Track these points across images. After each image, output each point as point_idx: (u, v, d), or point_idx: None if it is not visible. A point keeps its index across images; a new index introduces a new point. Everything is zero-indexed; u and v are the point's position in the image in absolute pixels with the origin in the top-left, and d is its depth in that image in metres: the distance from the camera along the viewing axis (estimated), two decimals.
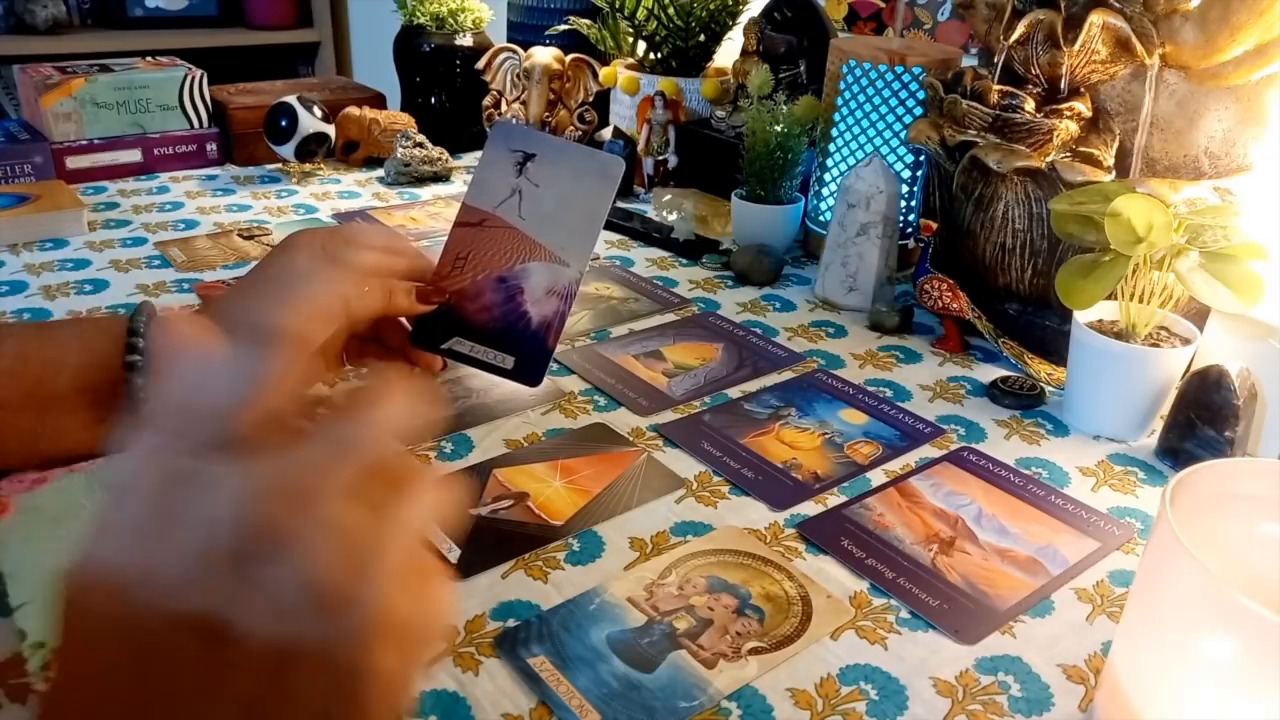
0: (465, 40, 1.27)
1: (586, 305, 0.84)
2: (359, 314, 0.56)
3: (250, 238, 0.97)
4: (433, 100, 1.29)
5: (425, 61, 1.28)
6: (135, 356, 0.53)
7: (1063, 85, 0.73)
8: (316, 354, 0.62)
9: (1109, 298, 0.63)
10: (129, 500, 0.24)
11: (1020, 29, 0.71)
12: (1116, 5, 0.68)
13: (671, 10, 1.09)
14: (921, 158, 0.91)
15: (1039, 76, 0.74)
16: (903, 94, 0.88)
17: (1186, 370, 0.64)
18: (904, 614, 0.49)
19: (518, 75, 1.20)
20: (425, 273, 0.61)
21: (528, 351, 0.60)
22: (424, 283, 0.60)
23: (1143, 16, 0.67)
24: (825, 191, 0.97)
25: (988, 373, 0.75)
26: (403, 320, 0.63)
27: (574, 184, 0.60)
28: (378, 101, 1.30)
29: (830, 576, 0.51)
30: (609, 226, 1.02)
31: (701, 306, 0.85)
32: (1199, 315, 0.66)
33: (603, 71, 1.18)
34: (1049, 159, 0.71)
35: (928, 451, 0.63)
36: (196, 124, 1.19)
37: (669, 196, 1.06)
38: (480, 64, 1.21)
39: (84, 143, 1.12)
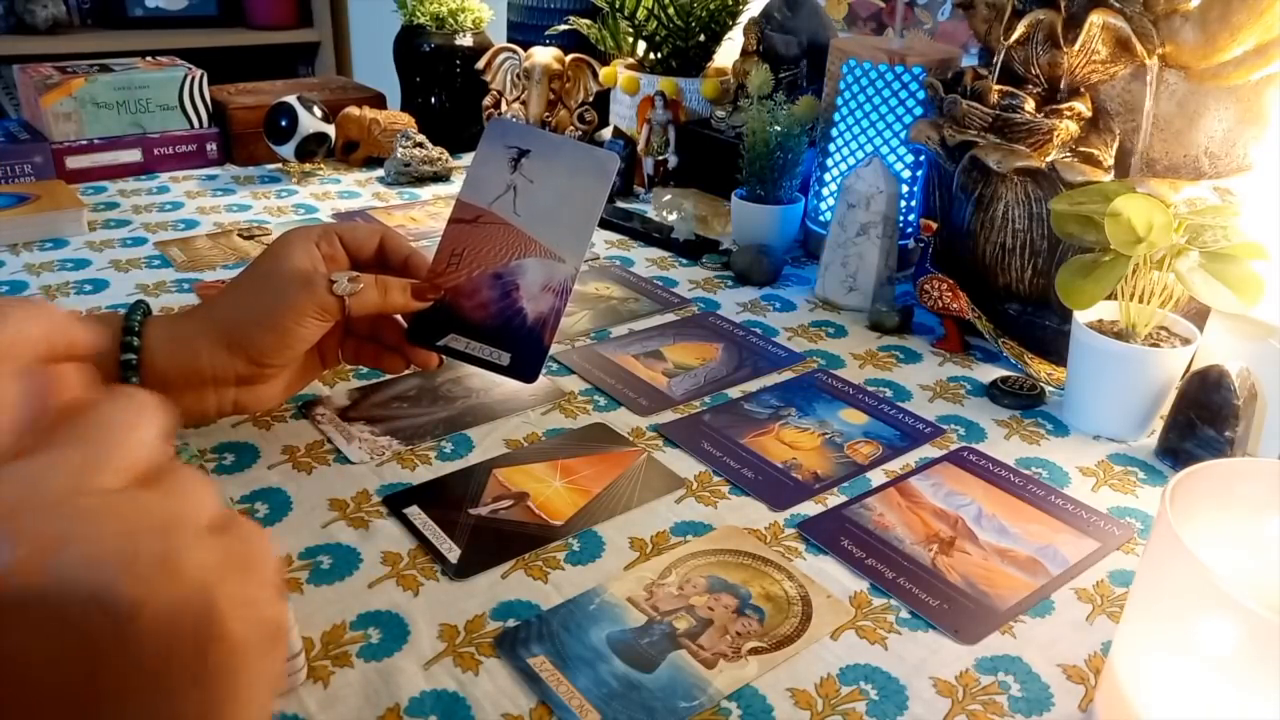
0: (465, 40, 1.27)
1: (586, 305, 0.84)
2: (355, 311, 0.56)
3: (250, 238, 0.97)
4: (433, 100, 1.29)
5: (425, 61, 1.28)
6: (130, 355, 0.53)
7: (1063, 85, 0.73)
8: (314, 353, 0.62)
9: (1109, 298, 0.63)
10: None
11: (1020, 29, 0.71)
12: (1116, 5, 0.68)
13: (671, 10, 1.09)
14: (921, 158, 0.91)
15: (1039, 76, 0.74)
16: (903, 94, 0.88)
17: (1186, 370, 0.64)
18: (904, 614, 0.49)
19: (518, 75, 1.20)
20: (420, 270, 0.61)
21: (524, 348, 0.60)
22: (419, 280, 0.60)
23: (1143, 16, 0.67)
24: (825, 191, 0.97)
25: (988, 373, 0.75)
26: (399, 318, 0.63)
27: (569, 180, 0.60)
28: (378, 101, 1.30)
29: (830, 576, 0.51)
30: (609, 226, 1.02)
31: (701, 306, 0.85)
32: (1199, 315, 0.66)
33: (603, 71, 1.18)
34: (1049, 159, 0.71)
35: (928, 451, 0.63)
36: (196, 124, 1.19)
37: (669, 196, 1.06)
38: (480, 64, 1.21)
39: (84, 143, 1.12)
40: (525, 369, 0.60)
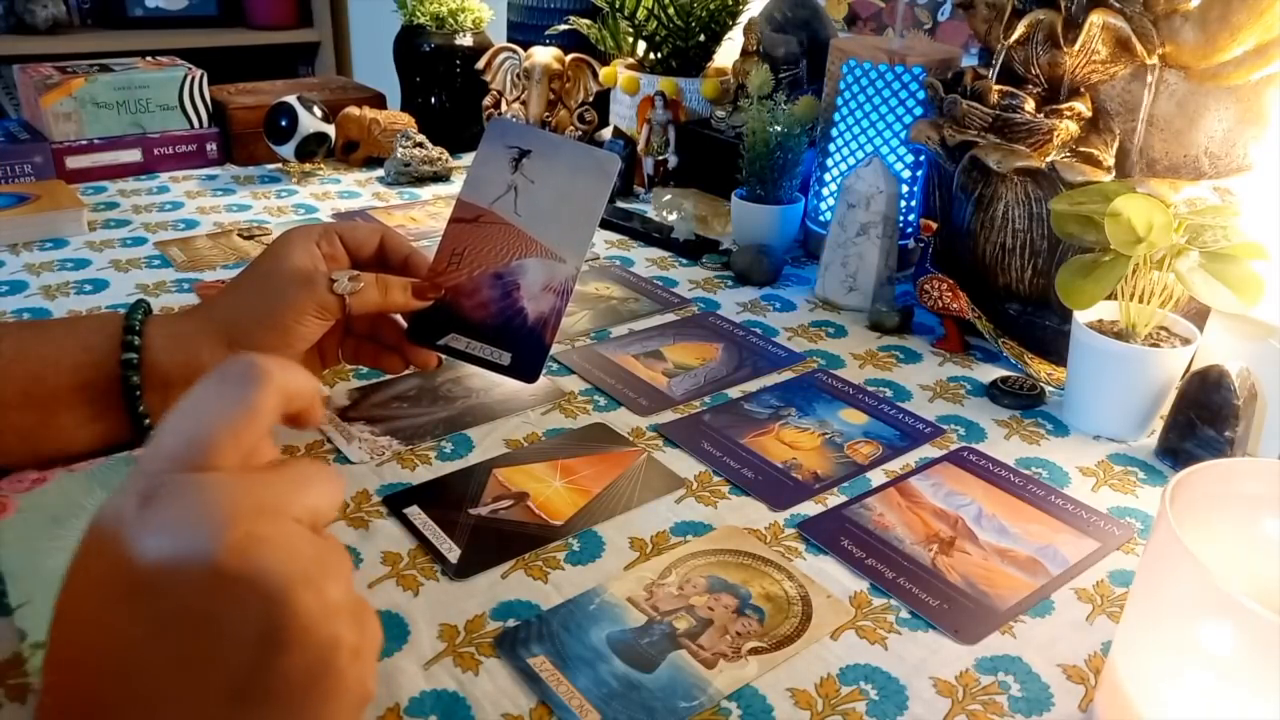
0: (465, 40, 1.27)
1: (586, 305, 0.84)
2: (355, 310, 0.56)
3: (250, 238, 0.97)
4: (433, 100, 1.29)
5: (425, 61, 1.28)
6: (132, 354, 0.53)
7: (1063, 85, 0.73)
8: (314, 352, 0.62)
9: (1109, 298, 0.63)
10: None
11: (1020, 29, 0.71)
12: (1116, 5, 0.68)
13: (671, 10, 1.09)
14: (921, 158, 0.91)
15: (1039, 76, 0.74)
16: (903, 94, 0.88)
17: (1186, 370, 0.64)
18: (904, 614, 0.49)
19: (518, 75, 1.20)
20: (420, 269, 0.61)
21: (524, 348, 0.60)
22: (420, 279, 0.60)
23: (1143, 16, 0.67)
24: (825, 191, 0.97)
25: (988, 373, 0.75)
26: (398, 318, 0.63)
27: (570, 180, 0.60)
28: (378, 101, 1.30)
29: (830, 576, 0.51)
30: (609, 226, 1.02)
31: (701, 306, 0.85)
32: (1199, 315, 0.66)
33: (603, 71, 1.18)
34: (1049, 159, 0.71)
35: (928, 451, 0.63)
36: (196, 124, 1.19)
37: (669, 196, 1.06)
38: (480, 64, 1.21)
39: (84, 143, 1.12)
40: (526, 369, 0.60)
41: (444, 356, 0.61)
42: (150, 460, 0.29)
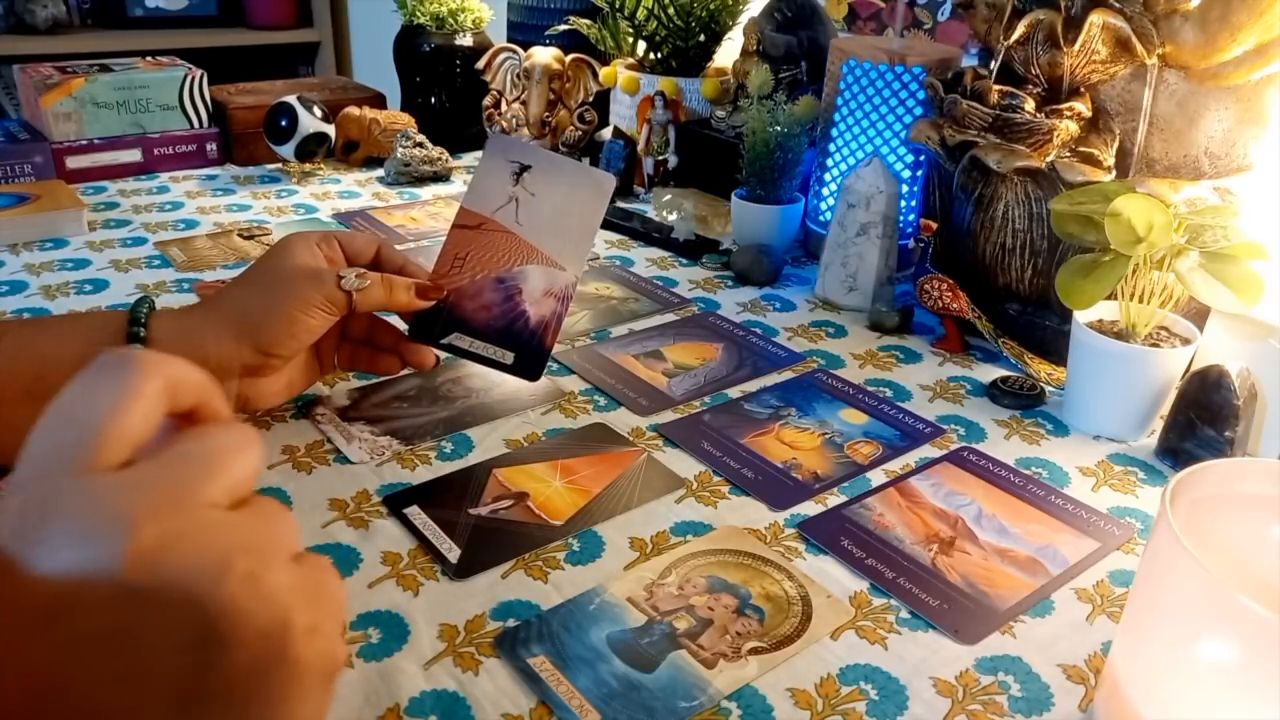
0: (465, 40, 1.27)
1: (586, 305, 0.84)
2: (360, 307, 0.57)
3: (250, 238, 0.97)
4: (433, 100, 1.29)
5: (425, 61, 1.28)
6: (136, 346, 0.53)
7: (1063, 85, 0.73)
8: (311, 357, 0.63)
9: (1109, 298, 0.63)
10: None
11: (1020, 29, 0.71)
12: (1116, 5, 0.68)
13: (671, 10, 1.09)
14: (921, 158, 0.91)
15: (1039, 76, 0.74)
16: (903, 94, 0.88)
17: (1186, 370, 0.64)
18: (904, 614, 0.49)
19: (518, 75, 1.20)
20: (417, 277, 0.62)
21: (527, 348, 0.62)
22: (423, 281, 0.61)
23: (1143, 16, 0.67)
24: (825, 191, 0.97)
25: (988, 373, 0.75)
26: (396, 320, 0.63)
27: (569, 196, 0.63)
28: (378, 101, 1.30)
29: (830, 576, 0.51)
30: (609, 226, 1.02)
31: (701, 306, 0.85)
32: (1199, 315, 0.66)
33: (603, 71, 1.18)
34: (1049, 159, 0.71)
35: (928, 451, 0.63)
36: (196, 124, 1.19)
37: (669, 196, 1.06)
38: (480, 64, 1.21)
39: (84, 143, 1.12)
40: (529, 367, 0.62)
41: (443, 356, 0.62)
42: (30, 469, 0.26)
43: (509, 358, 0.62)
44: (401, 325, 0.63)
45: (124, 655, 0.24)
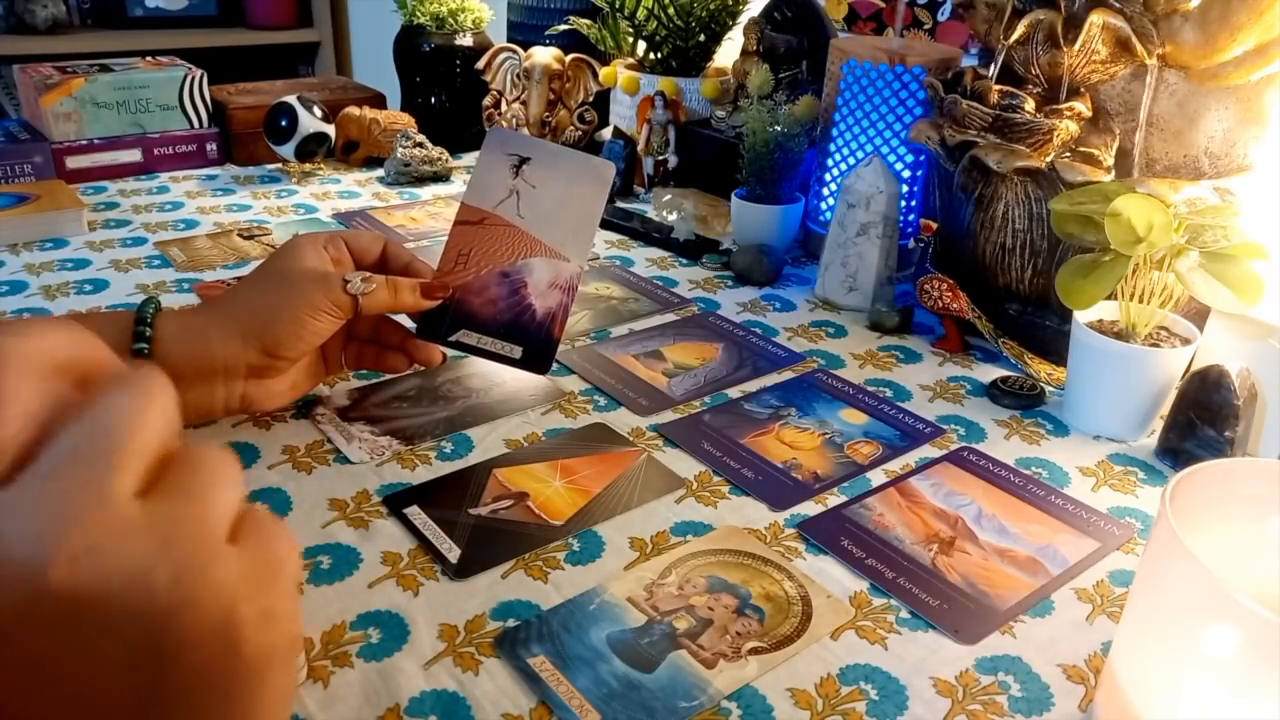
0: (465, 40, 1.27)
1: (586, 305, 0.84)
2: (366, 310, 0.57)
3: (250, 238, 0.97)
4: (433, 100, 1.29)
5: (425, 61, 1.28)
6: (142, 344, 0.53)
7: (1063, 85, 0.73)
8: (318, 358, 0.63)
9: (1109, 298, 0.63)
10: None
11: (1020, 29, 0.71)
12: (1116, 5, 0.68)
13: (671, 10, 1.09)
14: (921, 158, 0.91)
15: (1039, 76, 0.74)
16: (903, 94, 0.88)
17: (1186, 370, 0.63)
18: (904, 614, 0.49)
19: (518, 75, 1.20)
20: (421, 276, 0.62)
21: (535, 341, 0.62)
22: (428, 279, 0.61)
23: (1143, 16, 0.67)
24: (825, 191, 0.97)
25: (988, 373, 0.75)
26: (402, 319, 0.63)
27: (569, 186, 0.62)
28: (378, 101, 1.30)
29: (830, 576, 0.51)
30: (609, 226, 1.02)
31: (701, 306, 0.85)
32: (1199, 315, 0.66)
33: (603, 71, 1.18)
34: (1049, 159, 0.71)
35: (928, 451, 0.63)
36: (196, 124, 1.19)
37: (669, 196, 1.06)
38: (480, 64, 1.21)
39: (84, 143, 1.12)
40: (538, 360, 0.62)
41: (450, 352, 0.63)
42: None
43: (517, 352, 0.62)
44: (408, 323, 0.64)
45: (65, 681, 0.23)
